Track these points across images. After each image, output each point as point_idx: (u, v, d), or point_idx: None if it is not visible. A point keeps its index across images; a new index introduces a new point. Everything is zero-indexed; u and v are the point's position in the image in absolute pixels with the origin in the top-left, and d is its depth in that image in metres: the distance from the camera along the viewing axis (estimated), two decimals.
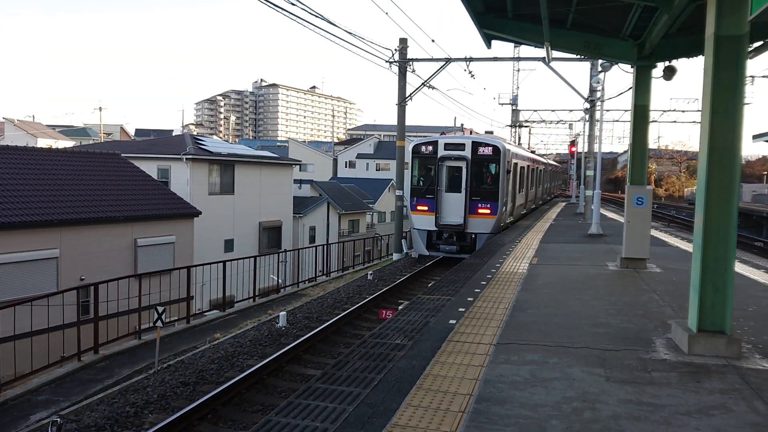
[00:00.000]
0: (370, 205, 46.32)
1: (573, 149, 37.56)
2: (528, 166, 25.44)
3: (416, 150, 19.04)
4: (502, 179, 18.40)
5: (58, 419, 7.07)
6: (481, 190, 18.32)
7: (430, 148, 18.73)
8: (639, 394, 4.69)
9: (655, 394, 4.70)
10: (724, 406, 4.46)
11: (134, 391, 8.41)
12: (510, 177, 19.42)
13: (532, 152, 38.25)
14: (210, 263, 16.27)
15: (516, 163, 21.14)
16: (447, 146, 18.57)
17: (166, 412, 7.52)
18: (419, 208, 18.82)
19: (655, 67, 10.56)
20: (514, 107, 47.50)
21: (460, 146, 18.46)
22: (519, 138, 49.25)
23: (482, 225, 18.17)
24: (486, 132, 24.27)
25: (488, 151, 18.39)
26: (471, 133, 22.05)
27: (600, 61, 17.39)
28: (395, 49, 21.79)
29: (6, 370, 10.30)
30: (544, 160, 38.35)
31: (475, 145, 18.38)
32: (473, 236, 18.24)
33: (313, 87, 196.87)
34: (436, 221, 18.43)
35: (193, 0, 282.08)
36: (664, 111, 43.92)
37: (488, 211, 18.21)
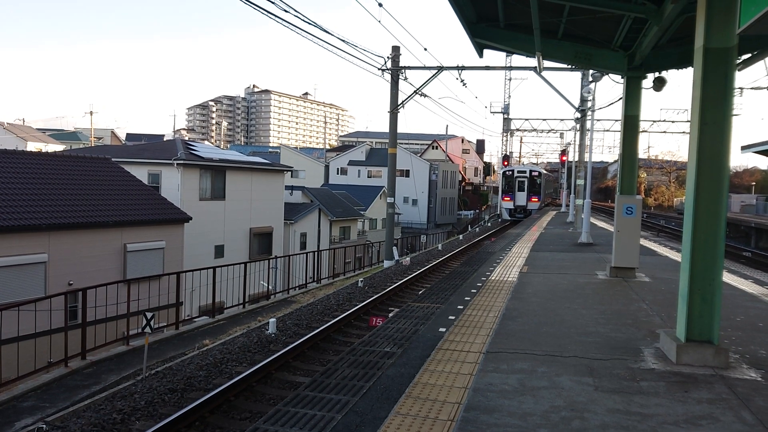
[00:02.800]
0: (362, 212, 46.31)
1: (564, 158, 38.54)
2: (548, 177, 51.12)
3: (503, 173, 39.72)
4: (541, 186, 39.60)
5: (44, 426, 6.99)
6: (533, 190, 38.92)
7: (510, 171, 39.44)
8: (627, 403, 4.70)
9: (643, 403, 4.71)
10: (712, 416, 4.48)
11: (121, 398, 8.32)
12: (543, 184, 40.49)
13: (550, 170, 64.42)
14: (200, 269, 16.17)
15: (546, 178, 43.92)
16: (518, 171, 39.61)
17: (153, 419, 7.44)
18: (505, 198, 39.25)
19: (645, 77, 10.65)
20: (505, 116, 47.69)
21: (525, 171, 39.57)
22: (510, 146, 49.82)
23: (534, 205, 38.77)
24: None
25: (536, 173, 39.54)
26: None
27: (591, 72, 17.57)
28: (388, 57, 21.87)
29: None
30: (546, 172, 57.18)
31: (530, 171, 39.76)
32: (530, 211, 38.26)
33: (306, 93, 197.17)
34: (513, 203, 38.96)
35: (186, 6, 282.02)
36: (654, 121, 44.39)
37: (537, 200, 39.04)
